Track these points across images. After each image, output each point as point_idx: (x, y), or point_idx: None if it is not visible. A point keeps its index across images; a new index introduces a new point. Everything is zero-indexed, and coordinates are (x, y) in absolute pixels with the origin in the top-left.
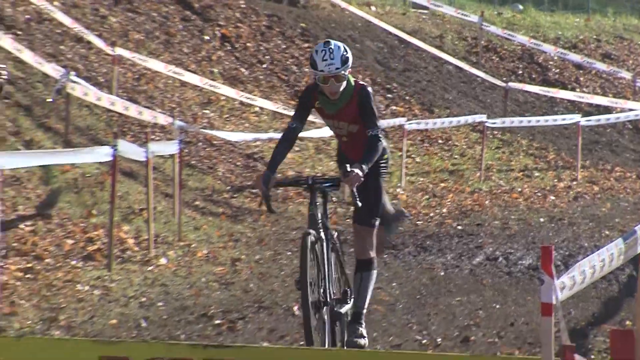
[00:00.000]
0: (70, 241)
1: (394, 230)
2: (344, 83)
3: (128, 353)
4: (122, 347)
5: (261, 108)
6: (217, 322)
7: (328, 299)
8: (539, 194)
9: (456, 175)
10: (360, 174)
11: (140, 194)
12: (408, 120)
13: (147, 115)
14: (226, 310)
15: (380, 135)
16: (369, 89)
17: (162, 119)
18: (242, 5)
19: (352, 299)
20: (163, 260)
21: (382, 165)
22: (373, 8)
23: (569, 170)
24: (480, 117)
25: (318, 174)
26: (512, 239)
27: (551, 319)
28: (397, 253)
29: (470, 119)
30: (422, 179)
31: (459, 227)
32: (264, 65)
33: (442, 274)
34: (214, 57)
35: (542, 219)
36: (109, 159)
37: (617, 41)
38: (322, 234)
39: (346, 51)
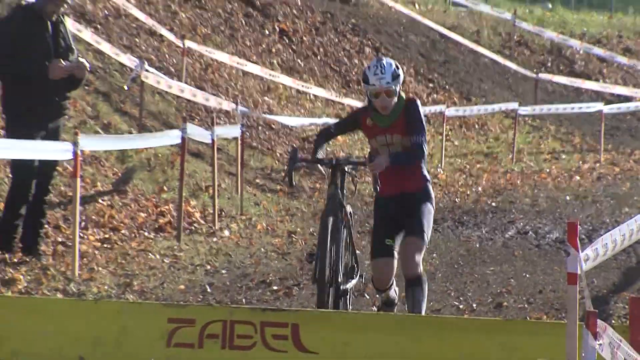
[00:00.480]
0: (143, 214)
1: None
2: (395, 98)
3: (194, 315)
4: (188, 310)
5: (315, 96)
6: (275, 288)
7: (339, 277)
8: (566, 175)
9: (490, 157)
10: (384, 162)
11: (206, 172)
12: (447, 107)
13: (213, 102)
14: (283, 277)
15: (424, 148)
16: (418, 102)
17: (226, 105)
18: (299, 3)
19: (358, 275)
20: (226, 233)
21: (432, 199)
22: (417, 6)
23: (593, 153)
24: (513, 105)
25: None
26: (540, 215)
27: (576, 287)
28: (437, 227)
29: (503, 106)
30: (459, 160)
31: (493, 204)
32: (318, 57)
33: (477, 246)
34: (274, 49)
35: (568, 197)
36: (179, 141)
37: (637, 37)
38: (339, 214)
39: (397, 68)
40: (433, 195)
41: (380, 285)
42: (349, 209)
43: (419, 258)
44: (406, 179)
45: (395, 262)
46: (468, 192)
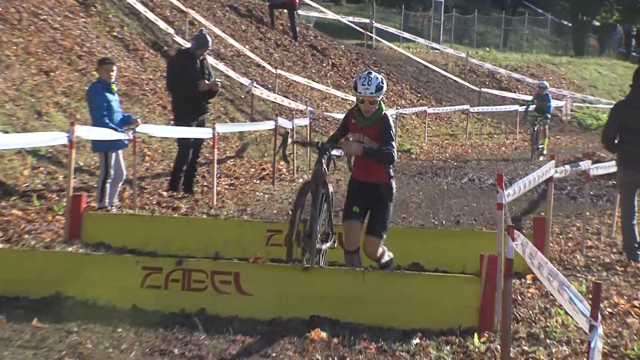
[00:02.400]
0: (252, 169)
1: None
2: (376, 106)
3: (283, 228)
4: (280, 225)
5: (352, 101)
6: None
7: (314, 236)
8: (496, 146)
9: (453, 136)
10: (358, 146)
11: (289, 145)
12: (428, 107)
13: (293, 105)
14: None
15: (394, 155)
16: (390, 119)
17: (301, 107)
18: (342, 48)
19: (332, 240)
20: (300, 180)
21: (393, 196)
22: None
23: (512, 135)
24: (466, 107)
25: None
26: (482, 170)
27: (502, 212)
28: (422, 177)
29: (461, 107)
30: (435, 138)
31: (455, 164)
32: (354, 79)
33: (445, 187)
34: (328, 74)
35: (497, 159)
36: (273, 127)
37: (538, 67)
38: (321, 187)
39: (382, 82)
40: (395, 189)
41: (348, 245)
42: (330, 188)
43: (378, 251)
44: (374, 172)
45: (361, 225)
46: (440, 157)
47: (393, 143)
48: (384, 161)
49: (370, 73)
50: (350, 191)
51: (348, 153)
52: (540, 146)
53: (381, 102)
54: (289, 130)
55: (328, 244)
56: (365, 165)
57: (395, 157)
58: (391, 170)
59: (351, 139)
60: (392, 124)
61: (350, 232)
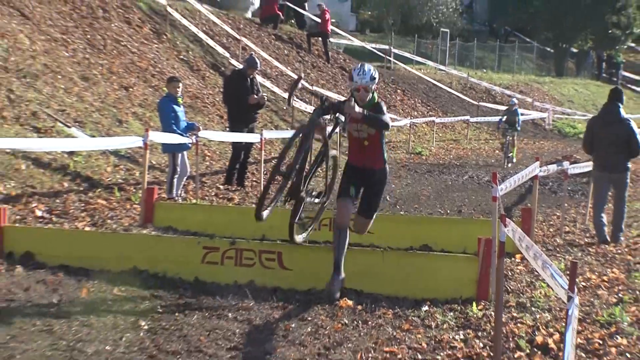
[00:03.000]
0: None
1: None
2: (370, 95)
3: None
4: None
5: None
6: None
7: (301, 189)
8: (491, 150)
9: (456, 141)
10: (359, 112)
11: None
12: (436, 117)
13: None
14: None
15: (389, 122)
16: (383, 103)
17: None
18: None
19: (321, 202)
20: None
21: (387, 179)
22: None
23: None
24: (467, 117)
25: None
26: (480, 169)
27: (496, 203)
28: (431, 174)
29: (463, 118)
30: (442, 143)
31: (457, 164)
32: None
33: (450, 183)
34: None
35: (493, 160)
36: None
37: (526, 85)
38: (311, 135)
39: (375, 73)
40: (388, 172)
41: (339, 220)
42: (333, 152)
43: (367, 226)
44: (370, 158)
45: (352, 205)
46: (445, 158)
47: (388, 119)
48: (382, 126)
49: (364, 65)
50: (346, 174)
51: (348, 114)
52: (509, 155)
53: (374, 92)
54: (302, 76)
55: (317, 200)
56: (361, 151)
57: (390, 125)
58: (385, 155)
59: (352, 137)
60: (384, 107)
61: (343, 209)
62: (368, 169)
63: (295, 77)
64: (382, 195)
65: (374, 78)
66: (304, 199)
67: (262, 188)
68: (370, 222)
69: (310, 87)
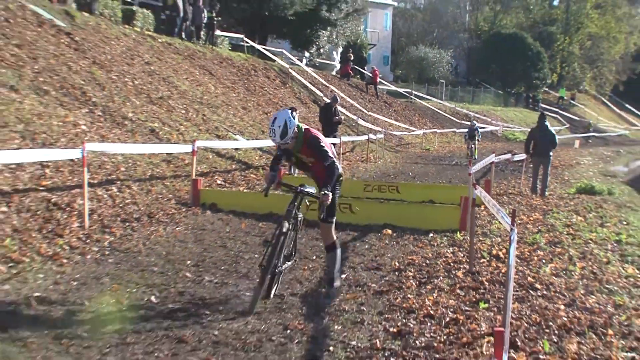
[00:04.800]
0: (357, 157)
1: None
2: (293, 140)
3: (372, 183)
4: (370, 182)
5: (399, 127)
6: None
7: (279, 262)
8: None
9: (449, 143)
10: (329, 195)
11: (367, 144)
12: (438, 129)
13: (376, 128)
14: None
15: (335, 166)
16: (315, 133)
17: (379, 129)
18: (399, 102)
19: (293, 260)
20: (380, 162)
21: (338, 186)
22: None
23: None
24: (454, 129)
25: (304, 187)
26: (462, 158)
27: (471, 177)
28: (434, 161)
29: (452, 130)
30: (441, 144)
31: (449, 155)
32: (404, 117)
33: (445, 166)
34: (392, 114)
35: (465, 155)
36: (367, 138)
37: (488, 112)
38: (291, 221)
39: (287, 125)
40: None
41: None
42: (300, 215)
43: (331, 234)
44: (319, 175)
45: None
46: (442, 152)
47: (328, 154)
48: (333, 176)
49: (274, 121)
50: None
51: (323, 203)
52: (474, 156)
53: (297, 128)
54: (280, 181)
55: (289, 263)
56: (308, 170)
57: (336, 165)
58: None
59: (293, 166)
60: (319, 137)
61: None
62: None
63: (269, 175)
64: (336, 202)
65: (286, 133)
66: (280, 274)
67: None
68: (332, 228)
69: (283, 182)
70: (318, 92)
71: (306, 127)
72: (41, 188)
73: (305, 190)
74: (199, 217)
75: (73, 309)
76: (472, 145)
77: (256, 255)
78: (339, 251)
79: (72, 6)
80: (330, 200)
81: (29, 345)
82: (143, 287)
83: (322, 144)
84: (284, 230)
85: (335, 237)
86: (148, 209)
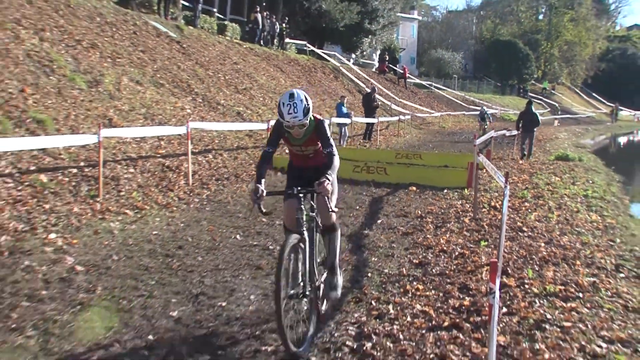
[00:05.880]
0: (390, 133)
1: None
2: (304, 127)
3: (402, 152)
4: (401, 151)
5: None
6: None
7: (307, 291)
8: (475, 126)
9: (460, 122)
10: (328, 183)
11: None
12: (451, 112)
13: (404, 111)
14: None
15: (335, 154)
16: (325, 121)
17: (407, 112)
18: (422, 92)
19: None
20: (408, 136)
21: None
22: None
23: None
24: (464, 112)
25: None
26: (469, 133)
27: (476, 147)
28: (448, 136)
29: (463, 112)
30: (454, 123)
31: (460, 131)
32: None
33: (456, 139)
34: (417, 101)
35: (475, 130)
36: (397, 118)
37: (489, 99)
38: (306, 234)
39: (307, 102)
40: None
41: (288, 222)
42: (312, 216)
43: (332, 218)
44: (315, 159)
45: (298, 204)
46: (454, 129)
47: (331, 142)
48: (332, 163)
49: (293, 95)
50: (291, 176)
51: (322, 194)
52: (486, 131)
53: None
54: (257, 185)
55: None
56: (306, 160)
57: (336, 154)
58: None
59: (295, 156)
60: (326, 126)
61: (290, 211)
62: (312, 167)
63: (251, 188)
64: (336, 186)
65: (308, 110)
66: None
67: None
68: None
69: (271, 192)
70: (361, 84)
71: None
72: (158, 155)
73: (302, 189)
74: (273, 177)
75: (182, 244)
76: (485, 126)
77: None
78: (339, 233)
79: (181, 22)
80: (329, 190)
81: (149, 269)
82: (231, 228)
83: (327, 128)
84: (290, 245)
85: (335, 218)
86: (235, 171)
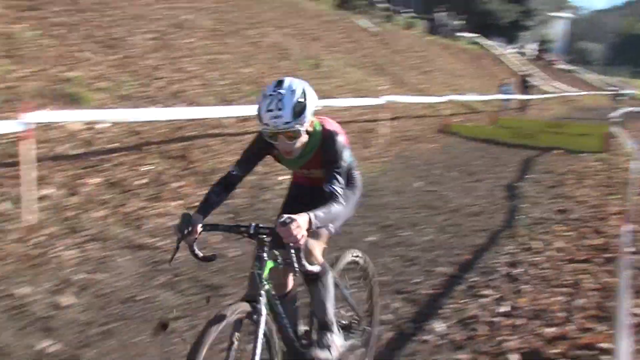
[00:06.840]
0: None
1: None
2: (304, 137)
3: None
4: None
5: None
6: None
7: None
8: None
9: (597, 101)
10: (298, 227)
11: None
12: (587, 92)
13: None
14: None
15: (340, 194)
16: (340, 136)
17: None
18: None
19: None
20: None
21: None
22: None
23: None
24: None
25: (260, 224)
26: (605, 109)
27: (610, 120)
28: (584, 111)
29: (605, 92)
30: (593, 100)
31: (597, 108)
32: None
33: (592, 114)
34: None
35: (607, 108)
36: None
37: (626, 81)
38: (263, 303)
39: (304, 96)
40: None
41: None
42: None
43: (316, 253)
44: (317, 179)
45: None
46: (592, 106)
47: (338, 176)
48: (336, 212)
49: (281, 83)
50: (290, 196)
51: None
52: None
53: (313, 125)
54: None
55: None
56: (312, 181)
57: (342, 200)
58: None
59: (297, 177)
60: (341, 143)
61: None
62: (317, 188)
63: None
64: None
65: (303, 108)
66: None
67: None
68: (319, 244)
69: (197, 256)
70: (519, 69)
71: (322, 118)
72: (360, 119)
73: (264, 227)
74: (448, 139)
75: (376, 187)
76: (615, 102)
77: (478, 162)
78: (329, 278)
79: (379, 20)
80: (295, 237)
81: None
82: (412, 177)
83: (343, 147)
84: (219, 318)
85: (319, 262)
86: (418, 134)
